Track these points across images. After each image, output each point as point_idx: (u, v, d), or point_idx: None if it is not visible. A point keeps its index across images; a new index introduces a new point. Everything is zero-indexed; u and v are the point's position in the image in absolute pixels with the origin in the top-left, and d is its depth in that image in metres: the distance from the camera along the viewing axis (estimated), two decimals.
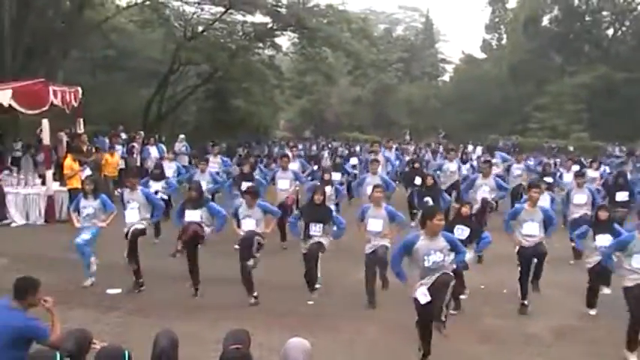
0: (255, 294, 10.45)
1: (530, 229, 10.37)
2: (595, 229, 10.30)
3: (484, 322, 9.84)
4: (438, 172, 18.29)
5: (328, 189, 14.12)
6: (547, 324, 9.86)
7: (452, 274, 7.77)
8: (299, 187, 15.58)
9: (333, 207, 13.30)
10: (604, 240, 10.02)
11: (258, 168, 16.97)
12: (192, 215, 10.70)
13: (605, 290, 10.70)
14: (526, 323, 9.92)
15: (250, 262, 10.28)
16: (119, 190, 18.81)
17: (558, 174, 19.14)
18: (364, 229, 10.61)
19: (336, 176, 16.87)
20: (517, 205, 11.37)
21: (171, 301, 10.45)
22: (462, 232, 10.14)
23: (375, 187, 10.97)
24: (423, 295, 7.57)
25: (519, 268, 10.41)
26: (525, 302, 10.40)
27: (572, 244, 13.66)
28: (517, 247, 10.43)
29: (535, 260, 10.42)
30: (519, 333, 9.47)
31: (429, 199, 14.45)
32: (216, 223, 10.90)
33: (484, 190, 14.51)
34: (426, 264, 7.63)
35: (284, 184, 14.92)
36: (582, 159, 26.30)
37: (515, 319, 10.07)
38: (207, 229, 10.78)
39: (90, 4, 30.55)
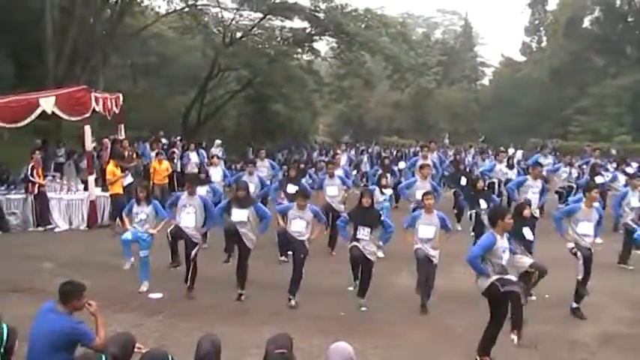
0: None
1: (586, 229, 10.27)
2: None
3: (527, 327, 9.70)
4: (489, 174, 18.12)
5: (387, 192, 14.26)
6: (592, 330, 9.70)
7: None
8: (346, 194, 15.31)
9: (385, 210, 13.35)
10: None
11: (308, 174, 16.82)
12: (240, 215, 10.68)
13: None
14: (570, 329, 9.76)
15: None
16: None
17: (609, 175, 18.89)
18: (412, 236, 10.58)
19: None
20: (574, 204, 11.04)
21: (212, 305, 10.49)
22: (528, 233, 10.04)
23: (425, 194, 10.90)
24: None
25: (581, 265, 10.19)
26: (579, 306, 10.30)
27: (621, 251, 13.62)
28: (573, 246, 10.24)
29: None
30: (563, 339, 9.32)
31: (482, 202, 14.23)
32: (261, 224, 10.94)
33: (533, 192, 14.19)
34: (503, 262, 8.03)
35: (332, 190, 14.76)
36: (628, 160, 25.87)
37: (559, 325, 9.90)
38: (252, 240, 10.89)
39: (130, 12, 31.03)
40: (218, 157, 17.89)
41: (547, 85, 57.07)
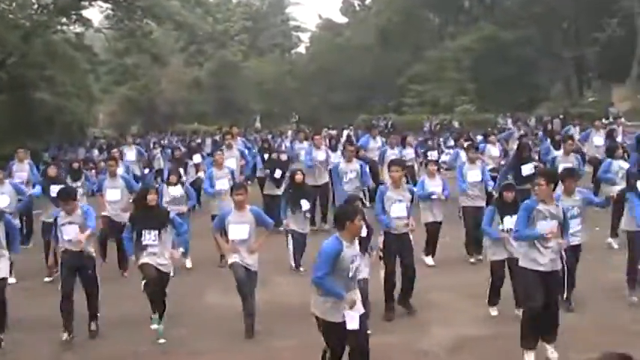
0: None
1: (400, 211, 10.69)
2: (501, 211, 10.56)
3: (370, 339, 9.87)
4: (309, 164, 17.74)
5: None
6: (443, 335, 9.98)
7: None
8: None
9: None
10: (512, 222, 10.31)
11: (84, 176, 16.19)
12: None
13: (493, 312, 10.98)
14: (418, 337, 10.00)
15: None
16: None
17: (448, 154, 19.51)
18: (225, 238, 10.45)
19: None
20: (381, 187, 11.53)
21: None
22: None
23: (234, 188, 10.84)
24: (352, 320, 7.58)
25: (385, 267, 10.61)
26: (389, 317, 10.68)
27: (466, 241, 14.05)
28: (381, 239, 10.66)
29: (399, 259, 10.67)
30: (409, 350, 9.55)
31: (304, 202, 14.19)
32: (10, 237, 10.36)
33: (350, 178, 14.93)
34: (351, 274, 7.74)
35: (114, 194, 14.22)
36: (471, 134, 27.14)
37: (404, 334, 10.13)
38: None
39: None
40: None
41: (375, 50, 58.56)
